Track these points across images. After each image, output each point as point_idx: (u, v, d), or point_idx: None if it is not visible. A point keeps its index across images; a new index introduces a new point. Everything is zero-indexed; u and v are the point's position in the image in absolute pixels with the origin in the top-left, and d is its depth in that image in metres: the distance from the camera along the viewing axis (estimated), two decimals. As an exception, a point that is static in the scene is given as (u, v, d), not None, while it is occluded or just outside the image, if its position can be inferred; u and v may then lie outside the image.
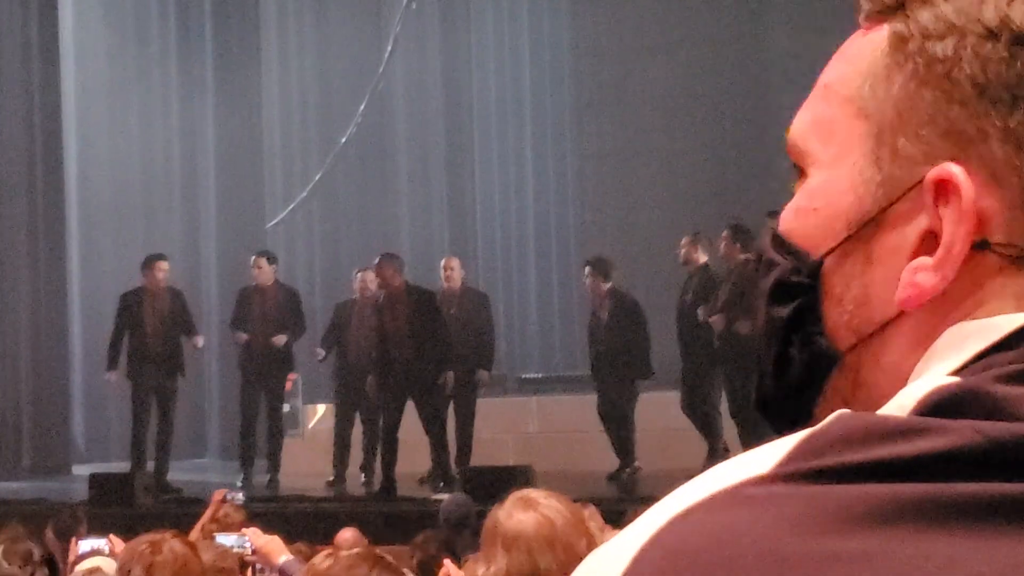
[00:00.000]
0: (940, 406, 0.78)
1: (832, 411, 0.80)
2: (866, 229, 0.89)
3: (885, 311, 0.89)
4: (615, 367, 12.58)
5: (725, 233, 12.04)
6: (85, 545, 6.53)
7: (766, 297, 0.94)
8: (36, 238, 15.49)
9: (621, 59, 17.25)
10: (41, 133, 15.66)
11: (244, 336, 13.24)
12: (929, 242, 0.87)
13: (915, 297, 0.87)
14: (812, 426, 0.79)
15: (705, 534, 0.74)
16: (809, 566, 0.71)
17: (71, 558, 5.48)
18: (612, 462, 12.67)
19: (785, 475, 0.76)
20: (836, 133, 0.92)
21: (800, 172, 0.95)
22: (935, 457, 0.74)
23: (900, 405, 0.80)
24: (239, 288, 13.86)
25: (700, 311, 11.90)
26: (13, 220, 15.25)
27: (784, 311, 0.93)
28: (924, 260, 0.87)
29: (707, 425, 12.15)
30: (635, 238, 15.99)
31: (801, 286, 0.92)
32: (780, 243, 0.94)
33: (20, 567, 3.54)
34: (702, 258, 12.19)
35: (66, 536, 7.18)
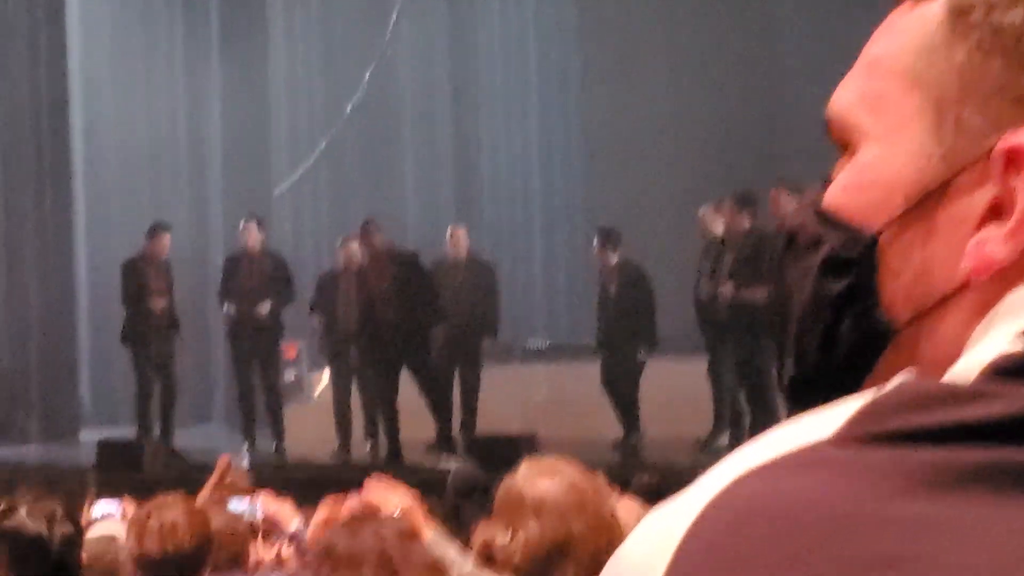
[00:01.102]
0: (1007, 371, 0.77)
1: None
2: (928, 201, 0.88)
3: (947, 283, 0.88)
4: (624, 339, 12.59)
5: (729, 201, 12.02)
6: (98, 510, 6.56)
7: (815, 273, 0.92)
8: (43, 205, 15.49)
9: (628, 26, 17.20)
10: (48, 101, 15.64)
11: (232, 309, 13.20)
12: (995, 213, 0.86)
13: (983, 268, 0.86)
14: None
15: (769, 496, 0.73)
16: (874, 530, 0.71)
17: (84, 522, 5.52)
18: (618, 430, 12.71)
19: (849, 439, 0.75)
20: (888, 107, 0.91)
21: (845, 149, 0.94)
22: (1002, 422, 0.74)
23: (965, 370, 0.80)
24: (225, 257, 13.87)
25: (701, 282, 11.88)
26: (20, 187, 15.26)
27: (837, 287, 0.91)
28: (993, 230, 0.86)
29: (720, 395, 12.17)
30: (642, 204, 15.98)
31: (855, 261, 0.91)
32: (827, 219, 0.93)
33: (45, 526, 3.56)
34: (721, 227, 12.13)
35: (74, 502, 7.18)
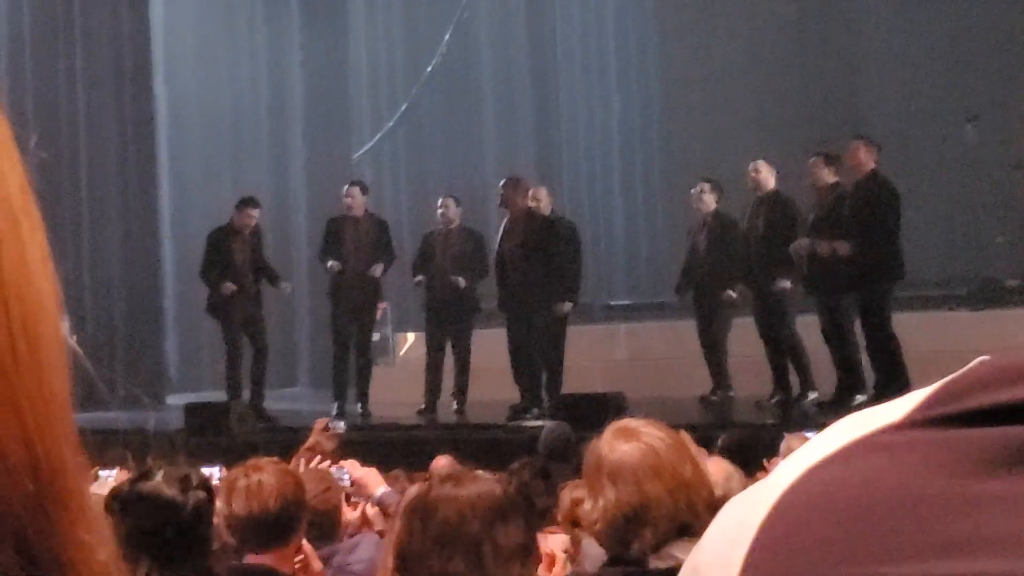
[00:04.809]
0: None
1: None
2: None
3: None
4: (711, 291, 12.47)
5: (814, 159, 11.75)
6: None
7: None
8: (126, 174, 15.66)
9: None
10: (130, 67, 15.79)
11: (338, 264, 13.23)
12: None
13: None
14: None
15: (842, 482, 0.71)
16: (950, 509, 0.67)
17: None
18: (701, 387, 12.65)
19: (920, 421, 0.71)
20: None
21: None
22: None
23: None
24: (328, 218, 13.88)
25: (793, 246, 11.65)
26: (104, 155, 15.43)
27: None
28: None
29: (793, 352, 12.04)
30: (720, 163, 15.86)
31: None
32: None
33: (180, 491, 3.60)
34: (771, 183, 12.11)
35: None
